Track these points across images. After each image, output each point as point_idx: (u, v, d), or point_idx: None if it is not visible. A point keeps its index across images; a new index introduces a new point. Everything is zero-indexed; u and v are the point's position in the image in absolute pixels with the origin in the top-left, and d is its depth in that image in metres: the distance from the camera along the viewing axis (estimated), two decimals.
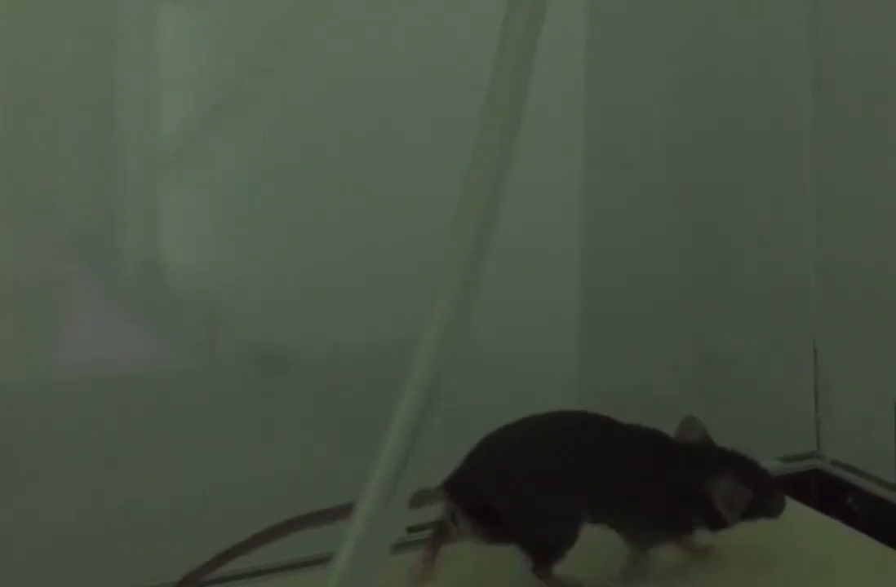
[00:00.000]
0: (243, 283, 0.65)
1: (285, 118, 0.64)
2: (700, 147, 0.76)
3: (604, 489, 0.53)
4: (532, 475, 0.52)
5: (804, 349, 0.76)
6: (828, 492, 0.73)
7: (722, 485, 0.53)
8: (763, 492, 0.55)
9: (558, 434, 0.54)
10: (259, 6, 0.64)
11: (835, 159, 0.73)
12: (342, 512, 0.51)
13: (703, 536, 0.57)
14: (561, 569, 0.53)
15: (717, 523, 0.55)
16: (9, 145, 0.60)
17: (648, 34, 0.74)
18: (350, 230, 0.66)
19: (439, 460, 0.52)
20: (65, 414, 0.61)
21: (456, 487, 0.53)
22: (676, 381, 0.78)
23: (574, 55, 0.72)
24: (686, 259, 0.77)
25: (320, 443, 0.67)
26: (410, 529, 0.55)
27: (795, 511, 0.67)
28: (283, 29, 0.64)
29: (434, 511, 0.54)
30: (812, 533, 0.64)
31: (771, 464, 0.75)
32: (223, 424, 0.64)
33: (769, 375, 0.77)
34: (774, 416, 0.77)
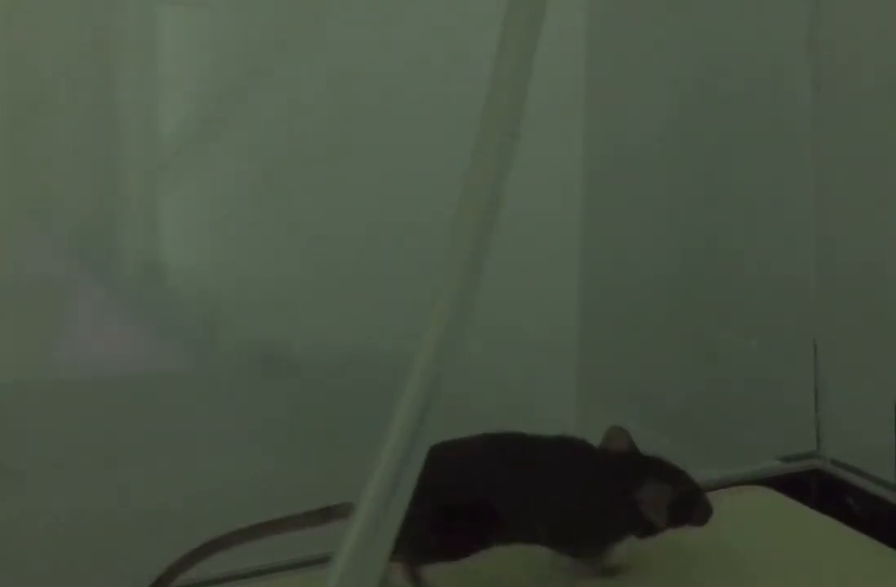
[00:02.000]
0: (243, 283, 0.65)
1: (285, 118, 0.64)
2: (700, 147, 0.76)
3: (526, 504, 0.53)
4: (446, 493, 0.51)
5: (804, 349, 0.76)
6: (828, 491, 0.73)
7: (645, 486, 0.53)
8: (688, 498, 0.55)
9: (476, 452, 0.54)
10: (259, 6, 0.64)
11: (835, 160, 0.73)
12: (310, 519, 0.51)
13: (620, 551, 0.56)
14: None
15: (645, 528, 0.54)
16: (9, 145, 0.60)
17: (648, 34, 0.74)
18: (350, 230, 0.66)
19: None
20: (65, 414, 0.61)
21: None
22: (676, 381, 0.78)
23: (574, 55, 0.72)
24: (686, 259, 0.77)
25: (320, 442, 0.67)
26: None
27: (795, 511, 0.67)
28: (282, 29, 0.64)
29: None
30: (812, 533, 0.64)
31: (771, 464, 0.75)
32: (223, 424, 0.64)
33: (769, 375, 0.77)
34: (774, 416, 0.77)
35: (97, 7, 0.61)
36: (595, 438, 0.56)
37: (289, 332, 0.66)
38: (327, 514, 0.52)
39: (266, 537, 0.52)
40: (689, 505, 0.55)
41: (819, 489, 0.74)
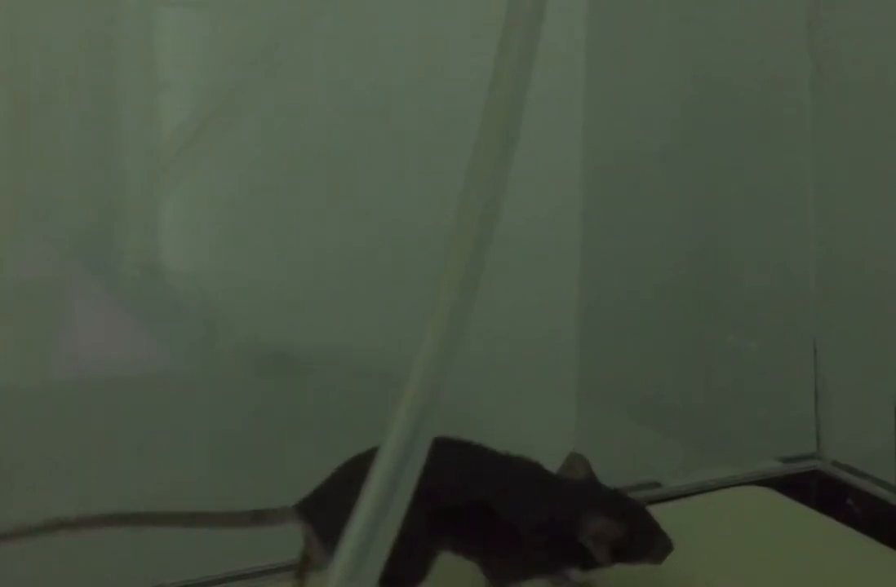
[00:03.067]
0: (243, 283, 0.65)
1: (285, 119, 0.64)
2: (700, 147, 0.76)
3: (468, 518, 0.51)
4: None
5: (804, 349, 0.76)
6: (828, 492, 0.73)
7: (593, 522, 0.50)
8: (641, 535, 0.52)
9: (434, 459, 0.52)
10: (259, 7, 0.64)
11: (835, 160, 0.73)
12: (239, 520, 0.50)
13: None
14: None
15: (588, 562, 0.52)
16: (9, 146, 0.60)
17: (648, 35, 0.74)
18: (350, 231, 0.66)
19: None
20: (65, 414, 0.61)
21: (309, 509, 0.51)
22: (676, 382, 0.78)
23: (574, 57, 0.72)
24: (686, 259, 0.77)
25: (320, 442, 0.67)
26: None
27: (795, 512, 0.67)
28: (282, 30, 0.64)
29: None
30: (812, 533, 0.64)
31: (771, 464, 0.75)
32: (223, 424, 0.65)
33: (769, 375, 0.78)
34: (774, 416, 0.77)
35: (97, 7, 0.61)
36: (595, 438, 0.56)
37: (289, 333, 0.66)
38: (259, 517, 0.51)
39: (183, 526, 0.51)
40: (641, 542, 0.52)
41: (819, 490, 0.74)
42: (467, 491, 0.51)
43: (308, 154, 0.65)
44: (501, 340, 0.69)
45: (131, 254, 0.65)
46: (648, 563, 0.53)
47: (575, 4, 0.71)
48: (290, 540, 0.53)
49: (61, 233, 0.62)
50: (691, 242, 0.77)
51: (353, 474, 0.45)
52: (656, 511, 0.54)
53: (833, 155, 0.73)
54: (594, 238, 0.75)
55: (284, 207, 0.66)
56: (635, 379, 0.77)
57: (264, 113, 0.64)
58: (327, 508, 0.50)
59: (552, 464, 0.54)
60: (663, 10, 0.73)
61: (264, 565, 0.61)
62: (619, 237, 0.76)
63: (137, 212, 0.65)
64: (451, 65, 0.66)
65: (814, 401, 0.76)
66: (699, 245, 0.77)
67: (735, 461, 0.75)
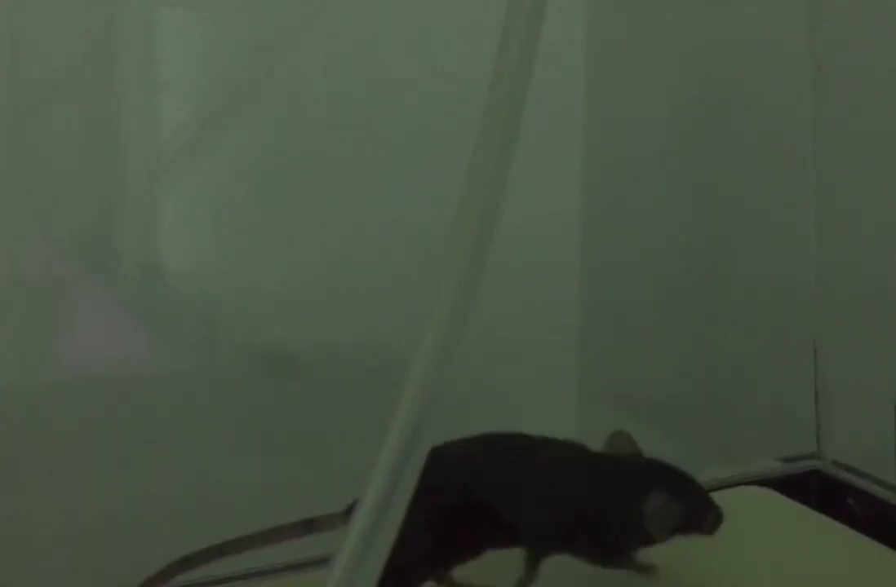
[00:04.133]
0: (243, 283, 0.65)
1: (285, 119, 0.64)
2: (700, 149, 0.76)
3: (527, 510, 0.52)
4: (438, 499, 0.49)
5: (804, 349, 0.76)
6: (828, 492, 0.73)
7: (656, 498, 0.51)
8: (696, 508, 0.53)
9: (475, 455, 0.53)
10: (259, 7, 0.64)
11: (835, 160, 0.73)
12: (293, 531, 0.51)
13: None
14: None
15: (648, 538, 0.52)
16: (9, 146, 0.60)
17: (648, 35, 0.74)
18: (350, 231, 0.66)
19: None
20: (65, 414, 0.61)
21: None
22: (676, 381, 0.78)
23: (574, 57, 0.72)
24: (686, 259, 0.77)
25: (320, 442, 0.67)
26: None
27: (795, 512, 0.67)
28: (282, 29, 0.64)
29: None
30: (812, 533, 0.64)
31: (771, 464, 0.75)
32: (223, 424, 0.64)
33: (769, 375, 0.77)
34: (774, 416, 0.77)
35: (97, 8, 0.61)
36: (595, 438, 0.56)
37: (289, 333, 0.66)
38: (310, 525, 0.51)
39: (245, 551, 0.51)
40: (696, 515, 0.53)
41: (819, 489, 0.74)
42: (522, 477, 0.52)
43: (308, 154, 0.65)
44: (502, 340, 0.69)
45: (131, 254, 0.65)
46: (701, 535, 0.53)
47: (575, 4, 0.71)
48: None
49: (61, 233, 0.62)
50: (691, 242, 0.77)
51: None
52: None
53: (833, 155, 0.73)
54: (594, 238, 0.75)
55: (284, 207, 0.66)
56: (635, 379, 0.77)
57: (264, 113, 0.64)
58: None
59: None
60: (663, 10, 0.73)
61: (264, 565, 0.61)
62: (619, 237, 0.76)
63: (137, 212, 0.65)
64: (451, 64, 0.66)
65: (814, 401, 0.76)
66: (699, 245, 0.77)
67: (735, 461, 0.75)
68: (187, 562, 0.51)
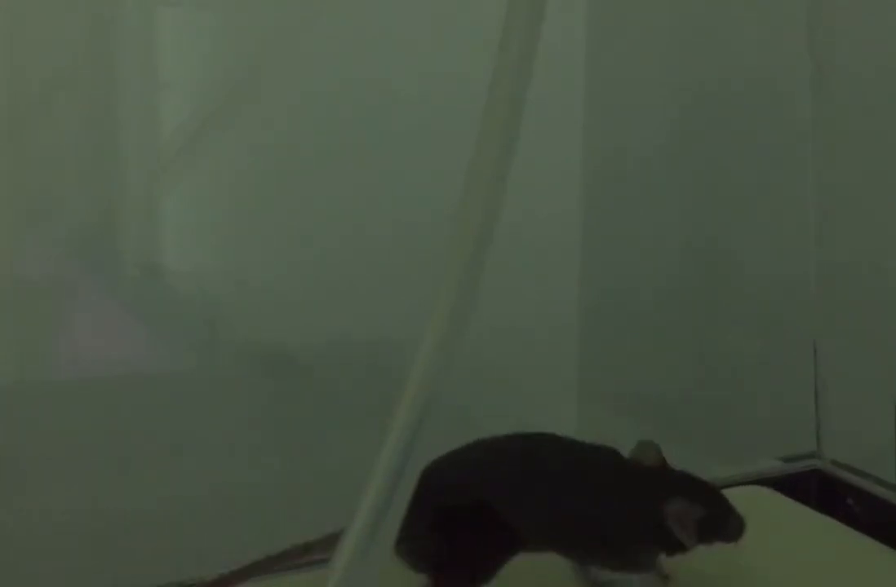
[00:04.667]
0: (243, 283, 0.65)
1: (285, 119, 0.64)
2: (700, 148, 0.76)
3: (553, 514, 0.52)
4: (466, 504, 0.51)
5: (804, 349, 0.76)
6: (828, 492, 0.73)
7: (674, 506, 0.52)
8: (719, 515, 0.54)
9: (502, 458, 0.53)
10: (259, 7, 0.64)
11: (835, 161, 0.73)
12: (323, 545, 0.50)
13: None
14: None
15: (673, 547, 0.53)
16: (9, 146, 0.60)
17: (648, 35, 0.74)
18: (350, 231, 0.66)
19: None
20: (65, 414, 0.61)
21: None
22: (676, 381, 0.78)
23: (574, 57, 0.72)
24: (686, 259, 0.77)
25: (321, 442, 0.67)
26: None
27: (795, 511, 0.67)
28: (282, 29, 0.64)
29: None
30: (812, 533, 0.64)
31: (771, 464, 0.75)
32: (223, 424, 0.64)
33: (769, 375, 0.77)
34: (774, 416, 0.77)
35: (97, 8, 0.61)
36: (595, 438, 0.56)
37: (289, 332, 0.66)
38: (308, 549, 0.51)
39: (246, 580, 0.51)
40: (719, 522, 0.54)
41: (819, 489, 0.74)
42: (550, 487, 0.52)
43: (308, 154, 0.65)
44: (502, 340, 0.69)
45: (131, 254, 0.65)
46: (726, 543, 0.54)
47: (575, 4, 0.71)
48: (289, 539, 0.53)
49: (61, 233, 0.62)
50: (692, 242, 0.77)
51: (430, 483, 0.46)
52: None
53: (833, 155, 0.73)
54: (594, 238, 0.75)
55: (284, 207, 0.66)
56: (635, 378, 0.77)
57: (264, 113, 0.64)
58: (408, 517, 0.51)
59: None
60: (663, 11, 0.73)
61: None
62: (619, 238, 0.76)
63: (137, 212, 0.65)
64: (450, 65, 0.66)
65: (814, 400, 0.76)
66: (700, 245, 0.77)
67: (735, 461, 0.75)
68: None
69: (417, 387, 0.34)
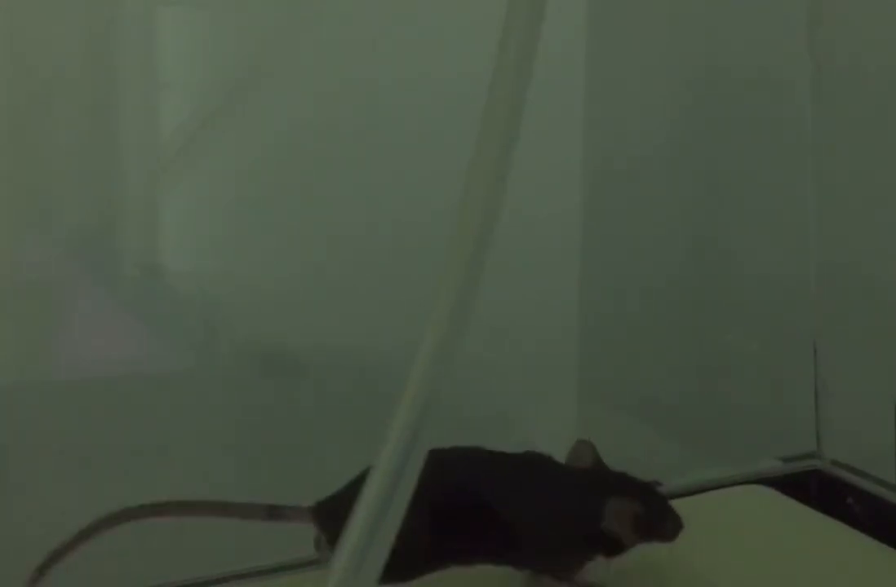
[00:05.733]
0: (243, 283, 0.65)
1: (285, 119, 0.64)
2: (700, 148, 0.76)
3: (488, 523, 0.51)
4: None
5: (804, 349, 0.76)
6: (828, 492, 0.73)
7: (613, 505, 0.52)
8: (656, 514, 0.53)
9: (437, 467, 0.53)
10: (259, 7, 0.64)
11: (835, 160, 0.73)
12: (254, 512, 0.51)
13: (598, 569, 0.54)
14: None
15: (611, 547, 0.53)
16: (9, 146, 0.60)
17: (648, 35, 0.74)
18: (350, 231, 0.66)
19: None
20: (65, 414, 0.61)
21: (323, 513, 0.51)
22: (676, 381, 0.78)
23: (574, 57, 0.72)
24: (686, 259, 0.77)
25: (320, 443, 0.67)
26: None
27: (795, 511, 0.67)
28: (283, 29, 0.64)
29: None
30: (812, 533, 0.64)
31: (771, 464, 0.75)
32: (223, 424, 0.65)
33: (769, 375, 0.78)
34: (774, 416, 0.77)
35: (97, 7, 0.61)
36: (595, 438, 0.56)
37: (289, 332, 0.66)
38: (275, 514, 0.51)
39: (195, 516, 0.52)
40: (657, 520, 0.53)
41: (819, 489, 0.74)
42: (477, 496, 0.52)
43: (308, 154, 0.65)
44: (502, 340, 0.69)
45: (131, 254, 0.65)
46: (662, 542, 0.54)
47: (575, 4, 0.71)
48: (289, 539, 0.53)
49: (61, 233, 0.62)
50: (691, 242, 0.77)
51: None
52: None
53: (833, 155, 0.73)
54: (594, 238, 0.75)
55: (284, 207, 0.66)
56: (635, 379, 0.77)
57: (264, 112, 0.64)
58: (342, 514, 0.50)
59: None
60: (663, 10, 0.73)
61: (264, 565, 0.61)
62: (619, 237, 0.76)
63: (137, 212, 0.65)
64: (451, 64, 0.66)
65: (814, 400, 0.76)
66: (699, 245, 0.77)
67: (735, 461, 0.75)
68: (129, 513, 0.51)
69: (417, 387, 0.34)
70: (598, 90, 0.73)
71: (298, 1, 0.65)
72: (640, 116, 0.75)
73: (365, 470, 0.51)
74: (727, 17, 0.73)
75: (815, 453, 0.76)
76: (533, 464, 0.54)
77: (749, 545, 0.61)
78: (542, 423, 0.73)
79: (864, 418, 0.73)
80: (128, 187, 0.65)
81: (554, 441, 0.68)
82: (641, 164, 0.74)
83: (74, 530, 0.54)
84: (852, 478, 0.73)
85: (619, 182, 0.75)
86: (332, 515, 0.50)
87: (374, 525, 0.34)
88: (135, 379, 0.64)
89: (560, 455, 0.55)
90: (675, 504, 0.55)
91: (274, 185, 0.65)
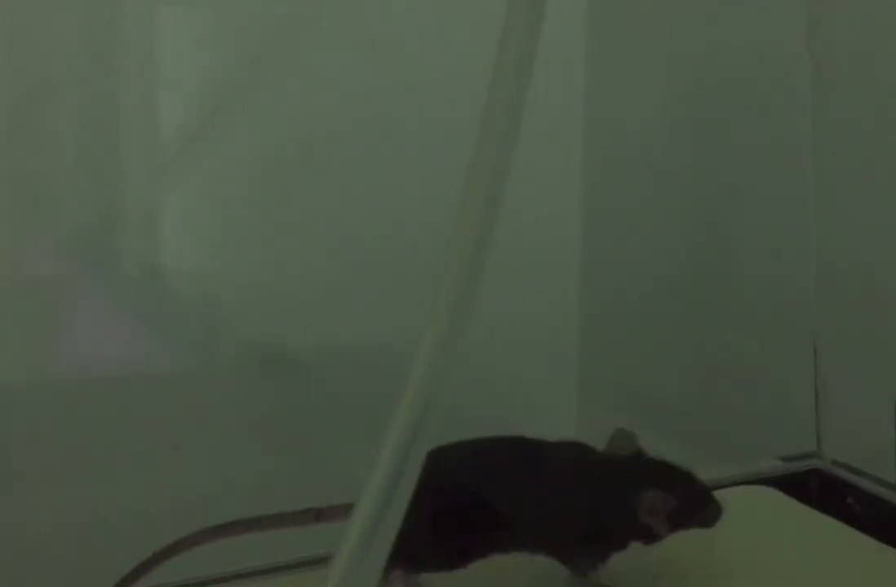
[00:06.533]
0: (243, 283, 0.65)
1: (285, 119, 0.64)
2: (700, 149, 0.76)
3: (525, 509, 0.52)
4: (443, 498, 0.51)
5: (804, 349, 0.76)
6: (828, 492, 0.73)
7: (644, 494, 0.52)
8: (693, 501, 0.54)
9: (476, 455, 0.53)
10: (259, 6, 0.64)
11: (835, 160, 0.73)
12: (298, 519, 0.51)
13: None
14: None
15: (648, 535, 0.54)
16: (9, 146, 0.60)
17: (648, 35, 0.74)
18: (350, 231, 0.66)
19: None
20: (65, 414, 0.61)
21: None
22: (676, 381, 0.78)
23: (574, 57, 0.72)
24: (686, 259, 0.77)
25: (321, 443, 0.67)
26: None
27: (795, 511, 0.67)
28: (283, 29, 0.64)
29: None
30: (812, 533, 0.64)
31: (771, 464, 0.75)
32: (223, 424, 0.64)
33: (769, 375, 0.77)
34: (774, 416, 0.77)
35: (97, 7, 0.61)
36: (595, 438, 0.56)
37: (289, 333, 0.66)
38: (319, 515, 0.52)
39: (243, 535, 0.52)
40: (694, 508, 0.54)
41: (819, 489, 0.74)
42: (523, 480, 0.53)
43: (308, 154, 0.65)
44: (502, 340, 0.69)
45: (131, 254, 0.65)
46: (702, 528, 0.54)
47: (575, 4, 0.71)
48: (289, 539, 0.53)
49: (61, 233, 0.62)
50: (691, 242, 0.77)
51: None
52: None
53: (833, 155, 0.73)
54: (594, 238, 0.75)
55: (285, 207, 0.66)
56: (635, 379, 0.77)
57: (264, 112, 0.64)
58: None
59: None
60: (663, 10, 0.73)
61: (264, 565, 0.61)
62: (619, 238, 0.76)
63: (137, 212, 0.65)
64: (450, 64, 0.66)
65: (814, 400, 0.76)
66: (699, 245, 0.77)
67: (735, 460, 0.75)
68: (185, 542, 0.52)
69: (417, 387, 0.34)
70: (598, 90, 0.73)
71: (298, 1, 0.65)
72: (640, 116, 0.75)
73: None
74: (727, 17, 0.73)
75: (815, 453, 0.76)
76: (572, 453, 0.54)
77: (749, 545, 0.61)
78: (542, 423, 0.73)
79: (864, 418, 0.73)
80: (128, 187, 0.65)
81: None
82: (641, 164, 0.74)
83: (74, 530, 0.54)
84: (852, 477, 0.73)
85: (619, 182, 0.75)
86: None
87: (375, 525, 0.34)
88: (135, 379, 0.64)
89: None
90: None
91: (274, 185, 0.65)
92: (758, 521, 0.65)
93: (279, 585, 0.60)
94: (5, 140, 0.60)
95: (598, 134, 0.74)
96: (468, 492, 0.52)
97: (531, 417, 0.72)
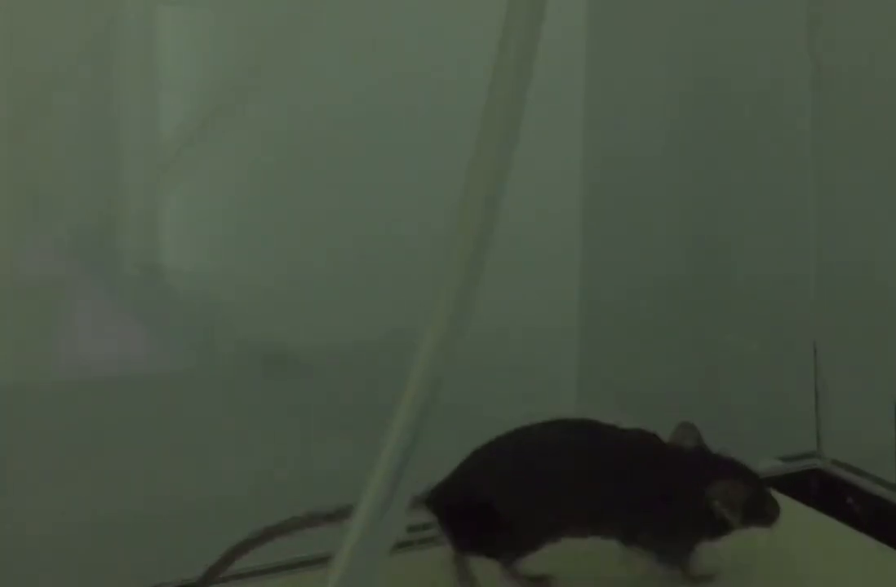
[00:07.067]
0: (243, 282, 0.65)
1: (285, 119, 0.64)
2: (700, 148, 0.76)
3: (599, 499, 0.53)
4: (516, 486, 0.52)
5: (804, 349, 0.76)
6: (828, 491, 0.73)
7: (720, 484, 0.53)
8: (758, 497, 0.55)
9: (548, 444, 0.54)
10: (259, 6, 0.64)
11: (835, 160, 0.73)
12: (327, 517, 0.52)
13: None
14: None
15: (719, 528, 0.54)
16: (9, 146, 0.60)
17: (648, 36, 0.74)
18: (350, 230, 0.66)
19: (441, 461, 0.52)
20: (65, 414, 0.61)
21: (436, 498, 0.53)
22: (676, 381, 0.78)
23: (574, 57, 0.72)
24: (686, 259, 0.77)
25: (321, 443, 0.67)
26: (411, 529, 0.55)
27: (795, 511, 0.67)
28: (283, 29, 0.64)
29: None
30: (812, 533, 0.64)
31: (771, 464, 0.75)
32: (223, 424, 0.64)
33: (769, 375, 0.78)
34: (774, 416, 0.77)
35: (97, 7, 0.61)
36: None
37: (289, 333, 0.66)
38: (332, 517, 0.52)
39: (311, 528, 0.53)
40: (760, 503, 0.55)
41: (819, 489, 0.74)
42: (597, 467, 0.53)
43: (308, 154, 0.65)
44: (502, 340, 0.69)
45: (131, 254, 0.65)
46: (764, 526, 0.55)
47: (575, 4, 0.71)
48: (288, 539, 0.53)
49: (61, 233, 0.62)
50: (692, 242, 0.77)
51: (478, 464, 0.52)
52: None
53: (833, 155, 0.73)
54: (595, 238, 0.75)
55: (284, 207, 0.66)
56: (635, 378, 0.77)
57: (264, 112, 0.64)
58: (455, 498, 0.53)
59: None
60: (663, 10, 0.73)
61: (264, 565, 0.61)
62: (619, 237, 0.76)
63: (137, 212, 0.65)
64: (450, 64, 0.66)
65: (814, 400, 0.76)
66: (699, 245, 0.77)
67: None
68: (246, 546, 0.52)
69: (417, 387, 0.34)
70: (598, 90, 0.73)
71: (298, 1, 0.65)
72: (640, 116, 0.75)
73: (468, 456, 0.53)
74: (727, 17, 0.73)
75: (815, 453, 0.76)
76: (644, 443, 0.55)
77: (748, 545, 0.61)
78: None
79: (864, 418, 0.73)
80: (128, 187, 0.65)
81: None
82: (641, 163, 0.74)
83: (74, 530, 0.54)
84: (852, 477, 0.73)
85: (619, 182, 0.75)
86: (444, 499, 0.53)
87: (375, 525, 0.34)
88: (135, 379, 0.64)
89: None
90: None
91: (274, 185, 0.65)
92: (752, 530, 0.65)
93: (279, 585, 0.60)
94: (5, 140, 0.60)
95: (598, 134, 0.74)
96: (545, 476, 0.53)
97: (532, 417, 0.72)
